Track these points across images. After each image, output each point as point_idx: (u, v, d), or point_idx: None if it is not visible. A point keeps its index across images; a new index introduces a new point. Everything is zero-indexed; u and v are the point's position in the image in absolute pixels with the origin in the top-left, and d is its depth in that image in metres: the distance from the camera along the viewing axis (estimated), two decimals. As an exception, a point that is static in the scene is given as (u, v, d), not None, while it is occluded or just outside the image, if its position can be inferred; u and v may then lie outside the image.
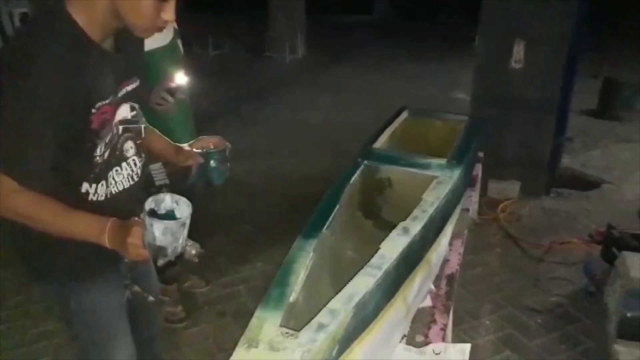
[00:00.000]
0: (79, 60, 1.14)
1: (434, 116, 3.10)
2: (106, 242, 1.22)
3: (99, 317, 1.52)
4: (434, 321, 1.96)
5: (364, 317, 1.42)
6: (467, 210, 2.80)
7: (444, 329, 1.93)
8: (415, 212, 1.88)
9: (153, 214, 1.20)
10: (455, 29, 8.99)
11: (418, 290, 1.85)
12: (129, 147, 1.43)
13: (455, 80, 6.76)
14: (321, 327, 1.27)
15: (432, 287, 2.06)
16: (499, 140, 4.04)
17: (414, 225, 1.78)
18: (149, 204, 1.21)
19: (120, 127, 1.36)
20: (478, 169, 3.39)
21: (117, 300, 1.55)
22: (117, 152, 1.39)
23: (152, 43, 1.64)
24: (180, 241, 1.21)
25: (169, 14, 1.20)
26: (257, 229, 3.63)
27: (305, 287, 1.55)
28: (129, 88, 1.36)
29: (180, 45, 2.53)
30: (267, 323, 1.28)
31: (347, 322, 1.32)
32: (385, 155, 2.38)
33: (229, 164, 1.66)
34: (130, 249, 1.18)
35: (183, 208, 1.24)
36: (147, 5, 1.15)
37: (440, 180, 2.15)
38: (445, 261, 2.35)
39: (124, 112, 1.36)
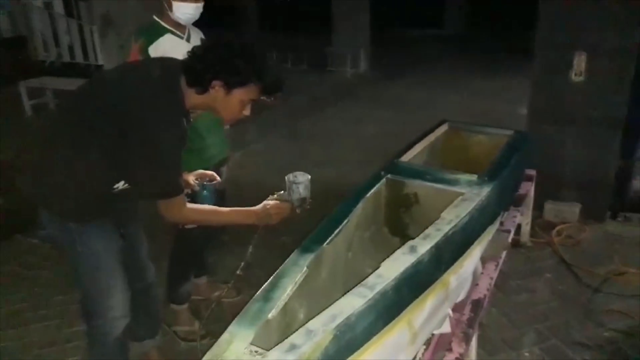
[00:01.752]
0: (184, 123, 1.62)
1: (477, 130, 2.93)
2: (255, 222, 1.75)
3: (100, 257, 1.77)
4: (450, 349, 1.82)
5: (351, 340, 1.32)
6: (508, 231, 2.60)
7: (460, 359, 1.78)
8: (429, 230, 1.76)
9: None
10: (532, 42, 8.61)
11: (430, 314, 1.72)
12: None
13: (524, 95, 6.42)
14: (293, 347, 1.20)
15: (450, 312, 1.91)
16: (558, 158, 3.75)
17: (424, 244, 1.66)
18: (288, 178, 1.78)
19: None
20: (528, 188, 3.16)
21: (114, 246, 1.82)
22: None
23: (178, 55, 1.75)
24: (309, 194, 1.81)
25: (248, 110, 1.67)
26: (296, 242, 3.58)
27: (293, 304, 1.48)
28: None
29: None
30: (237, 339, 1.23)
31: (327, 345, 1.23)
32: (411, 169, 2.26)
33: (217, 195, 2.05)
34: (274, 217, 1.75)
35: (301, 176, 1.78)
36: (235, 105, 1.62)
37: (465, 198, 2.01)
38: (474, 285, 2.19)
39: None
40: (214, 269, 3.14)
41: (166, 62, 1.69)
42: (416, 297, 1.60)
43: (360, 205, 2.08)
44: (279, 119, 6.34)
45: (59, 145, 1.68)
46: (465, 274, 1.98)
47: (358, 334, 1.34)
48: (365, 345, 1.38)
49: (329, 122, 6.50)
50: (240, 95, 1.59)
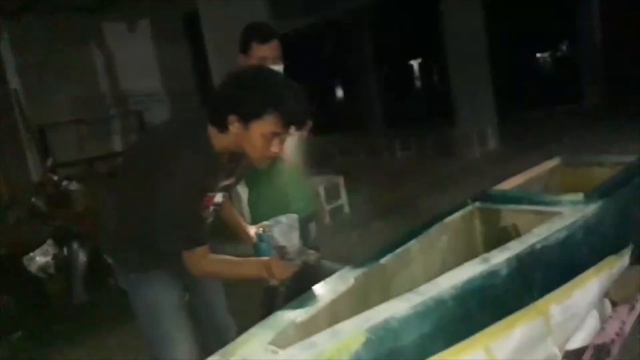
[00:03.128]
0: (210, 169, 1.53)
1: (596, 162, 2.54)
2: (266, 276, 1.51)
3: (156, 309, 1.69)
4: (560, 398, 1.44)
5: (396, 352, 1.11)
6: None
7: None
8: (511, 243, 1.50)
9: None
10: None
11: (521, 347, 1.40)
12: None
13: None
14: (312, 346, 1.04)
15: (557, 352, 1.53)
16: None
17: (499, 256, 1.40)
18: (269, 222, 1.57)
19: (212, 208, 1.69)
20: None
21: (173, 299, 1.71)
22: None
23: None
24: (294, 241, 1.50)
25: (276, 147, 1.50)
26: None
27: (329, 313, 1.31)
28: (225, 184, 1.71)
29: None
30: (255, 339, 1.10)
31: (357, 349, 1.05)
32: (504, 196, 2.01)
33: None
34: (275, 273, 1.49)
35: (278, 220, 1.55)
36: (257, 141, 1.47)
37: (564, 215, 1.70)
38: (599, 330, 1.77)
39: (218, 198, 1.69)
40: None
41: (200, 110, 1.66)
42: (494, 318, 1.32)
43: (443, 238, 1.87)
44: (400, 200, 6.23)
45: (115, 199, 1.75)
46: (574, 308, 1.61)
47: (406, 347, 1.13)
48: (422, 365, 1.14)
49: (453, 201, 6.21)
50: (260, 128, 1.44)
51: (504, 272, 1.36)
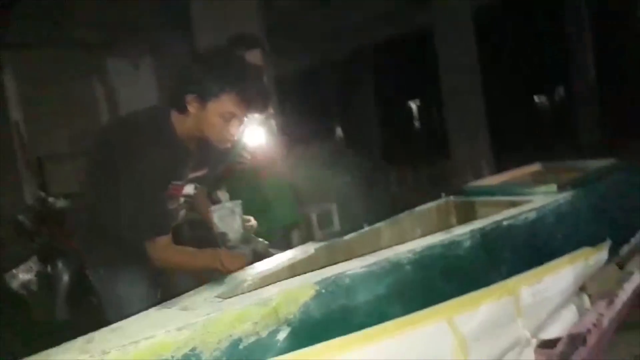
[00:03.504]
0: (173, 154, 1.50)
1: (575, 167, 2.52)
2: (219, 267, 1.42)
3: (122, 304, 1.59)
4: (531, 382, 1.39)
5: (350, 310, 1.08)
6: (630, 273, 2.07)
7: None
8: (478, 220, 1.48)
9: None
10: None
11: (488, 324, 1.36)
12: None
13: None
14: (258, 296, 1.01)
15: (527, 333, 1.49)
16: None
17: (463, 228, 1.38)
18: (212, 208, 1.51)
19: (182, 199, 1.67)
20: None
21: (140, 294, 1.64)
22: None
23: None
24: (235, 227, 1.44)
25: (234, 128, 1.50)
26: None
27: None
28: (197, 175, 1.68)
29: None
30: (202, 293, 1.09)
31: (306, 301, 1.02)
32: (479, 190, 2.01)
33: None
34: (225, 264, 1.39)
35: (219, 206, 1.51)
36: (215, 121, 1.46)
37: (535, 202, 1.69)
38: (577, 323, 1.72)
39: (188, 190, 1.67)
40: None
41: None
42: (458, 291, 1.29)
43: (417, 231, 1.86)
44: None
45: (85, 192, 1.77)
46: (546, 292, 1.57)
47: (360, 306, 1.10)
48: (379, 327, 1.11)
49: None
50: (217, 108, 1.43)
51: (466, 243, 1.34)
